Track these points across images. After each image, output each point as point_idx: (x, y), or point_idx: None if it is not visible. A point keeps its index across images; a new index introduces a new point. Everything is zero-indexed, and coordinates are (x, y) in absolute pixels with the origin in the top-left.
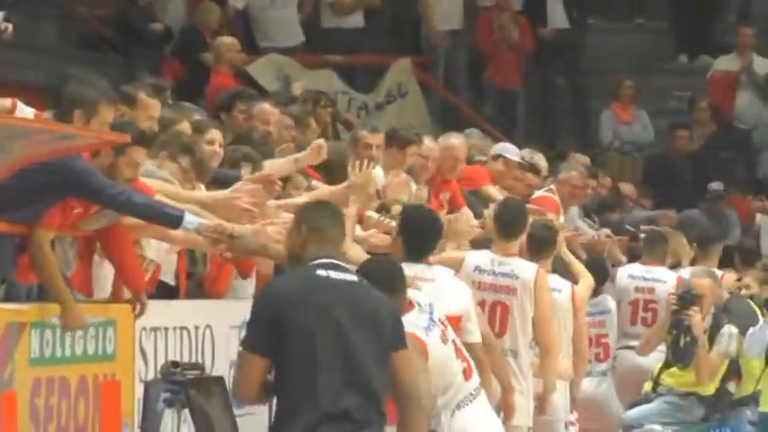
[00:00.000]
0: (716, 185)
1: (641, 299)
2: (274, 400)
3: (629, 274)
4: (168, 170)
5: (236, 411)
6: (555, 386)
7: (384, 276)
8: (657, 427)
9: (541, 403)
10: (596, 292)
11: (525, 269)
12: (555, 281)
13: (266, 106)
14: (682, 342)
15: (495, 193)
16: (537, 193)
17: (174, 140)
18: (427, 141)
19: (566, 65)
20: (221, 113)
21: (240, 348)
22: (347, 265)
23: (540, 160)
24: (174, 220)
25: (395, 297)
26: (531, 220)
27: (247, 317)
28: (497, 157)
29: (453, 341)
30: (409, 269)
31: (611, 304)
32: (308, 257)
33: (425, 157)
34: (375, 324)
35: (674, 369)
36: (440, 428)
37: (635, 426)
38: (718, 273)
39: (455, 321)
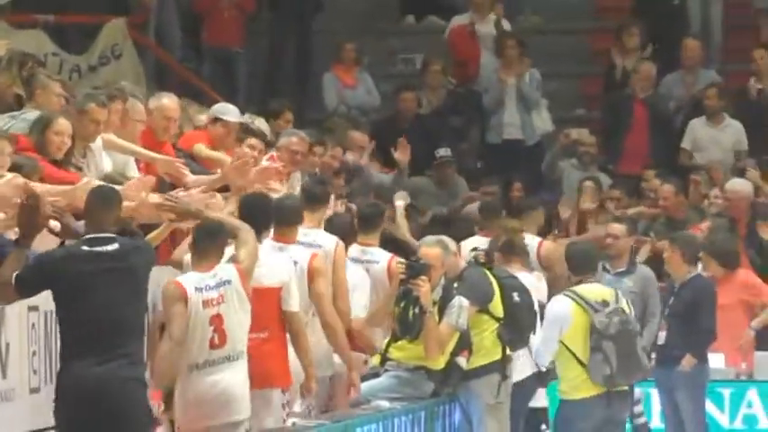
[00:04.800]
0: (443, 151)
1: None
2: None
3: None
4: None
5: None
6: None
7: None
8: (385, 402)
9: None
10: None
11: (327, 240)
12: (374, 252)
13: None
14: (410, 314)
15: (208, 152)
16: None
17: None
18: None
19: (292, 25)
20: None
21: (16, 276)
22: (112, 236)
23: (261, 124)
24: None
25: None
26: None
27: None
28: (216, 120)
29: (218, 315)
30: None
31: None
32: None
33: (140, 120)
34: (131, 281)
35: (402, 342)
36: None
37: (362, 402)
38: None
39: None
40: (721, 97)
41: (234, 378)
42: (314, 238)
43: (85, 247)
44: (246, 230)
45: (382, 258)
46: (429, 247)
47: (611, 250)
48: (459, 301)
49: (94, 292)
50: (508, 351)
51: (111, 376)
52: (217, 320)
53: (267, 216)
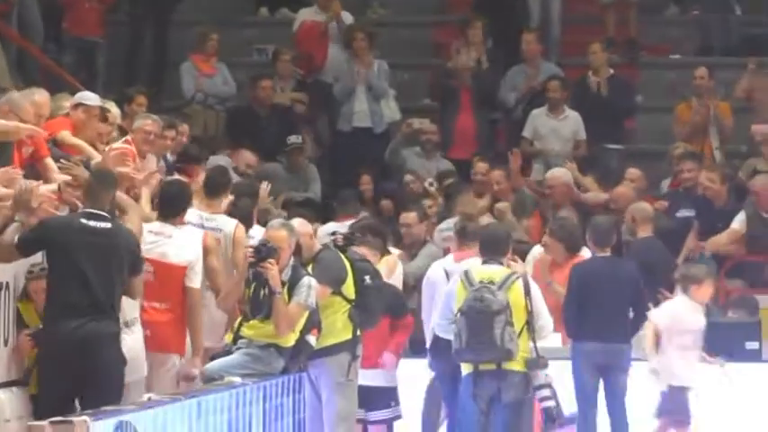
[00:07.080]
0: (294, 138)
1: None
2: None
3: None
4: None
5: None
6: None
7: None
8: (237, 378)
9: None
10: None
11: (227, 223)
12: (220, 220)
13: None
14: (261, 295)
15: (72, 139)
16: (115, 144)
17: None
18: (16, 96)
19: (150, 15)
20: None
21: (18, 237)
22: (107, 215)
23: (112, 107)
24: None
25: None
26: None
27: None
28: (77, 105)
29: None
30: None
31: None
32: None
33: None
34: (113, 257)
35: (253, 321)
36: None
37: (215, 378)
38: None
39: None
40: (562, 89)
41: (133, 342)
42: (217, 222)
43: (83, 220)
44: (133, 208)
45: (227, 225)
46: (276, 230)
47: (405, 239)
48: (309, 281)
49: (84, 260)
50: (358, 332)
51: (97, 333)
52: None
53: (183, 200)
